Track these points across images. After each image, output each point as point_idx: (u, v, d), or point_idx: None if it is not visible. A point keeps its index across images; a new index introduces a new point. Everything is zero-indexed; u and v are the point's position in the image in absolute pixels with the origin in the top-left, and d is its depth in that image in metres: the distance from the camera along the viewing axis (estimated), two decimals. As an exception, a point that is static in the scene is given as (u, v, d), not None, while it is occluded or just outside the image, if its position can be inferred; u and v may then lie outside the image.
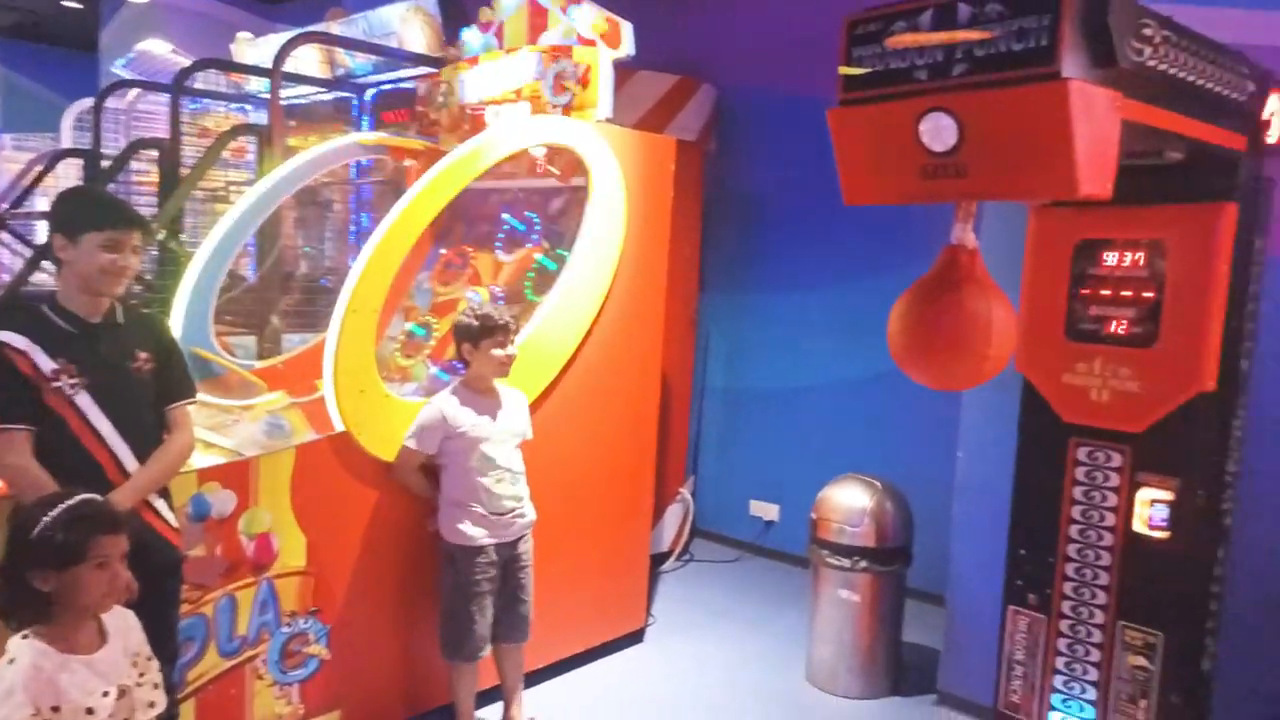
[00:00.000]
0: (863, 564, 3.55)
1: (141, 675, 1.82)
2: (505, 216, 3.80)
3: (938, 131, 1.87)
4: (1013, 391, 2.64)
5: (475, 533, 2.94)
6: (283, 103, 4.17)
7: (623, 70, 3.70)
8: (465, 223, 3.98)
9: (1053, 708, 2.56)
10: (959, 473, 3.48)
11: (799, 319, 5.08)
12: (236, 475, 2.65)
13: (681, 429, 5.14)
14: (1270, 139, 2.35)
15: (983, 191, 1.95)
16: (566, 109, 3.41)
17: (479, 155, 3.19)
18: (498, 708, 3.21)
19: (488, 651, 3.04)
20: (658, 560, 4.88)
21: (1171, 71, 1.88)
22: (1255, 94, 2.22)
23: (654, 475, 3.96)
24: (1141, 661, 2.41)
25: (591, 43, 3.52)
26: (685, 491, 5.16)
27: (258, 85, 5.32)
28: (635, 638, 3.99)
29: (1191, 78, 1.95)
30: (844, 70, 2.02)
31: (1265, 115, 2.30)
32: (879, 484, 3.63)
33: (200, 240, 3.85)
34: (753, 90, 5.13)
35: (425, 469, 3.00)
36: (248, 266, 4.55)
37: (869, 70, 1.96)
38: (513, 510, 3.01)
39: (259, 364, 3.87)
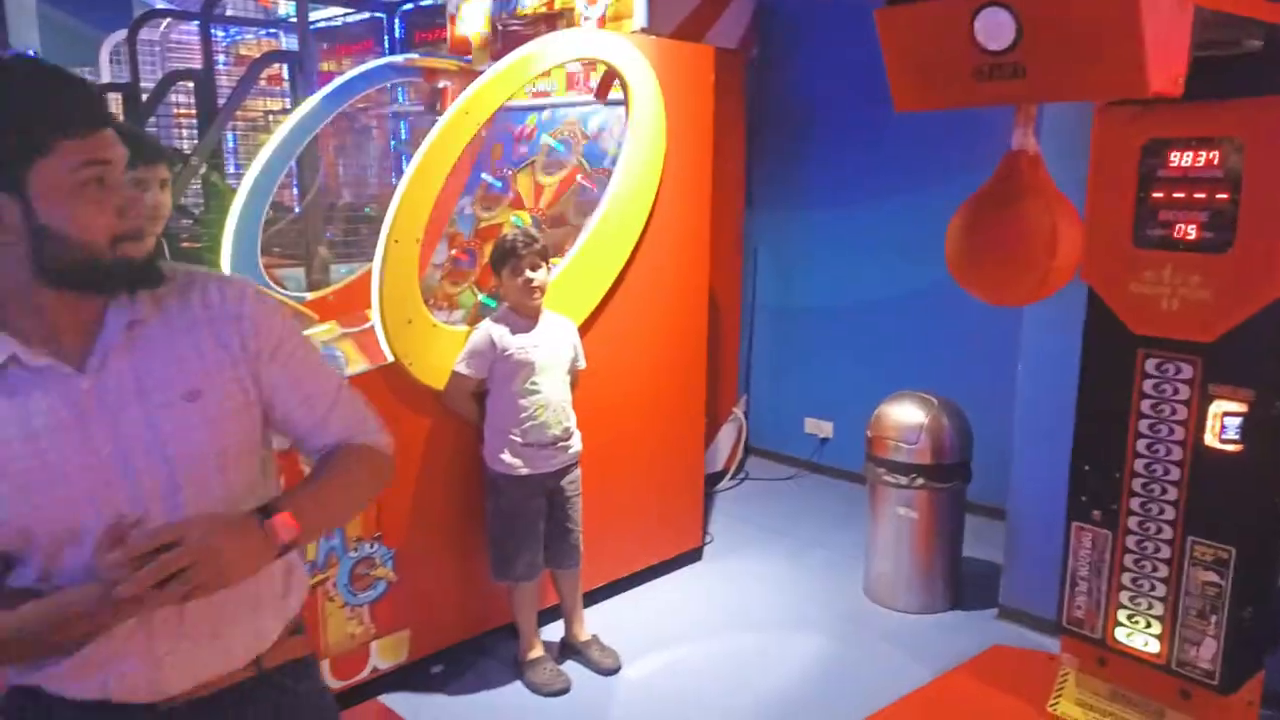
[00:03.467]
0: (920, 481, 3.50)
1: None
2: (545, 138, 3.72)
3: (994, 28, 1.73)
4: (1076, 302, 2.51)
5: (515, 462, 2.95)
6: (314, 26, 4.08)
7: (655, -24, 3.52)
8: (504, 144, 3.90)
9: (1119, 623, 2.52)
10: (1020, 386, 3.37)
11: (852, 233, 4.90)
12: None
13: (732, 348, 5.08)
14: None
15: (1044, 92, 1.81)
16: (601, 20, 3.27)
17: (513, 74, 3.08)
18: (561, 625, 3.29)
19: (539, 574, 3.09)
20: (713, 480, 4.90)
21: (1257, -53, 1.70)
22: (1351, -33, 2.00)
23: (705, 395, 3.93)
24: (1212, 577, 2.34)
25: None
26: (738, 410, 5.13)
27: (287, 10, 5.21)
28: (693, 556, 4.04)
29: (1279, -48, 1.77)
30: None
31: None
32: (935, 400, 3.55)
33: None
34: (797, -10, 4.86)
35: (476, 396, 3.01)
36: (292, 197, 4.55)
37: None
38: (555, 442, 2.99)
39: (309, 295, 3.90)
